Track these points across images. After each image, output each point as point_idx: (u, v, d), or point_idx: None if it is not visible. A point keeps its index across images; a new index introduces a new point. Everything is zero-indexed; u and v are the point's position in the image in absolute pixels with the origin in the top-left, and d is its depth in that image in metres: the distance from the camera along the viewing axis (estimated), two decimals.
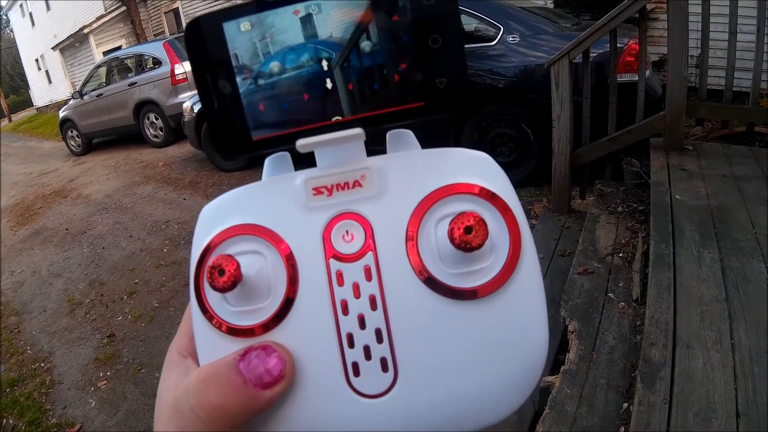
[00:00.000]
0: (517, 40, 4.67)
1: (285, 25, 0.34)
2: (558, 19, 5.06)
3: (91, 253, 6.01)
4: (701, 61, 3.93)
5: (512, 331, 0.34)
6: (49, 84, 26.29)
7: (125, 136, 11.52)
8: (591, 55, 3.91)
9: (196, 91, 0.38)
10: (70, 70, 22.71)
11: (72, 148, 12.69)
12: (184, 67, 9.29)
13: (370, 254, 0.35)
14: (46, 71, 26.28)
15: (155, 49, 10.04)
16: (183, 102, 8.01)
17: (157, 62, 9.82)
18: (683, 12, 3.56)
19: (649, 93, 3.93)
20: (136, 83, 10.19)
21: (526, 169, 4.90)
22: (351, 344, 0.34)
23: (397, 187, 0.36)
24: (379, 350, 0.34)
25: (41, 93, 28.19)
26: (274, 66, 0.35)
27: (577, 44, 3.73)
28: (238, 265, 0.32)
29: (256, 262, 0.35)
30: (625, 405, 2.13)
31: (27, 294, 5.46)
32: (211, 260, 0.33)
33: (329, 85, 0.35)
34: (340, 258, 0.35)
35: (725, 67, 3.88)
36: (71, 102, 12.25)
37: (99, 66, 11.77)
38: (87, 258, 5.91)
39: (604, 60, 4.13)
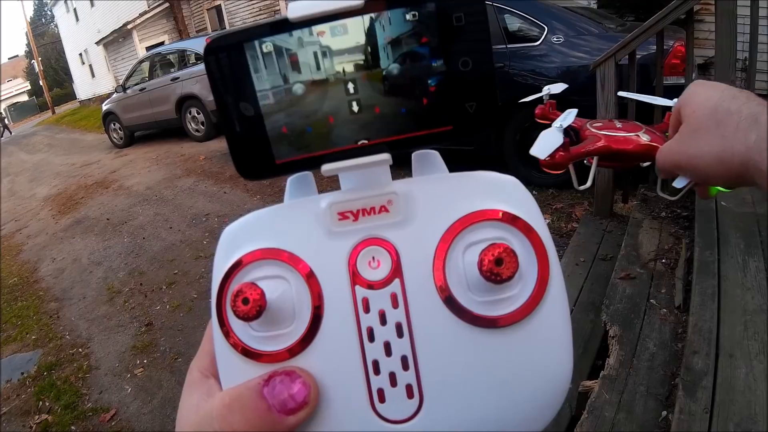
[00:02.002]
0: (562, 40, 4.62)
1: (309, 45, 0.34)
2: (602, 20, 4.98)
3: (132, 243, 6.12)
4: (749, 65, 3.83)
5: (537, 359, 0.34)
6: (92, 78, 26.90)
7: (167, 130, 11.74)
8: (636, 56, 3.84)
9: None
10: (113, 65, 23.19)
11: (114, 140, 12.96)
12: None
13: (396, 281, 0.34)
14: (90, 65, 26.88)
15: (198, 45, 10.22)
16: None
17: (200, 58, 9.93)
18: (732, 14, 3.47)
19: None
20: (178, 78, 10.37)
21: (568, 171, 4.81)
22: (376, 371, 0.34)
23: (424, 213, 0.35)
24: (405, 377, 0.33)
25: (84, 86, 28.87)
26: (298, 88, 0.34)
27: (623, 45, 3.66)
28: (263, 293, 0.32)
29: (280, 288, 0.35)
30: (664, 413, 2.09)
31: (67, 281, 5.59)
32: (234, 286, 0.34)
33: (355, 107, 0.34)
34: (366, 284, 0.34)
35: None
36: (114, 95, 12.51)
37: (142, 61, 12.01)
38: (127, 248, 6.02)
39: (648, 62, 4.05)
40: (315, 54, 0.34)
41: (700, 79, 0.55)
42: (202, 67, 9.80)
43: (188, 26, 19.10)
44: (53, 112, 32.39)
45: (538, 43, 4.72)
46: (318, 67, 0.34)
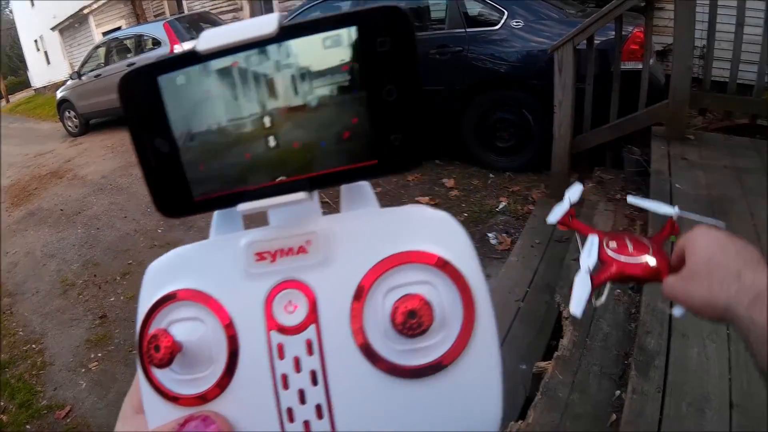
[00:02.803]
0: (521, 25, 4.63)
1: (224, 78, 0.31)
2: (563, 5, 5.01)
3: (86, 234, 6.00)
4: (707, 52, 3.89)
5: (462, 407, 0.32)
6: (48, 65, 26.19)
7: (123, 117, 11.41)
8: (595, 42, 3.86)
9: None
10: (69, 51, 22.60)
11: (69, 128, 12.53)
12: (184, 48, 9.24)
13: (312, 327, 0.33)
14: (45, 52, 26.17)
15: (155, 29, 9.96)
16: None
17: (157, 43, 9.75)
18: (690, 1, 3.52)
19: (652, 82, 3.91)
20: (135, 64, 10.02)
21: (526, 155, 4.87)
22: (291, 419, 0.33)
23: (345, 254, 0.33)
24: (319, 425, 0.32)
25: (39, 74, 28.05)
26: (213, 123, 0.32)
27: (581, 30, 3.69)
28: (174, 340, 0.31)
29: (197, 331, 0.34)
30: (618, 392, 2.12)
31: (20, 275, 5.46)
32: (152, 329, 0.33)
33: (272, 143, 0.32)
34: (282, 330, 0.33)
35: (731, 59, 3.83)
36: (69, 83, 12.13)
37: (98, 47, 11.69)
38: (81, 239, 5.90)
39: (607, 47, 4.09)
40: (229, 86, 0.31)
41: (702, 226, 0.67)
42: (159, 52, 9.62)
43: (146, 11, 18.67)
44: (7, 101, 31.46)
45: (497, 27, 4.72)
46: (232, 101, 0.31)
